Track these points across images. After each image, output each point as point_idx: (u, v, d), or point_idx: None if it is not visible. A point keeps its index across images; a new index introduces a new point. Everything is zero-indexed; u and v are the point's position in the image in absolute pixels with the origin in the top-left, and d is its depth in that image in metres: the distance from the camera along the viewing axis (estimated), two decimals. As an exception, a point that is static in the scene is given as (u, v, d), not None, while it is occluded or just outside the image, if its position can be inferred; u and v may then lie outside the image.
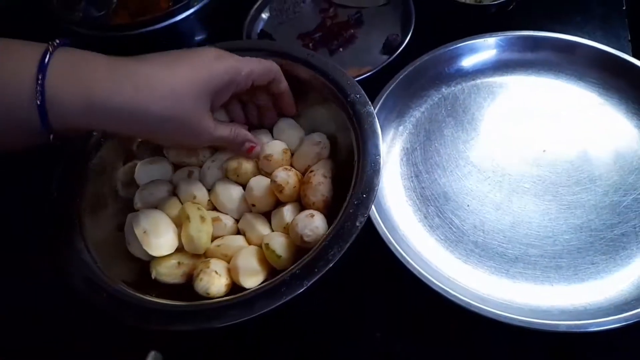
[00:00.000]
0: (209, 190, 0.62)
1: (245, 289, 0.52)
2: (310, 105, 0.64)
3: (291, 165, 0.61)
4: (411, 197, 0.63)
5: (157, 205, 0.59)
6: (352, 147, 0.58)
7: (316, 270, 0.47)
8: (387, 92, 0.67)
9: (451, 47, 0.70)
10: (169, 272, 0.55)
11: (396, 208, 0.62)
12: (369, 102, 0.57)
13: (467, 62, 0.72)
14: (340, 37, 0.77)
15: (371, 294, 0.57)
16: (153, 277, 0.55)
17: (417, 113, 0.70)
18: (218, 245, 0.57)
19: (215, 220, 0.59)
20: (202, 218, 0.57)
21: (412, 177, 0.65)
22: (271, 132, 0.64)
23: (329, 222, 0.54)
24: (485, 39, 0.71)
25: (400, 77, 0.68)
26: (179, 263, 0.55)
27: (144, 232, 0.54)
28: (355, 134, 0.56)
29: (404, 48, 0.72)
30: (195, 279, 0.53)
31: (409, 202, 0.63)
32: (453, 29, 0.72)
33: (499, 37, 0.71)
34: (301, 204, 0.59)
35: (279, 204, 0.59)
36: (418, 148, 0.67)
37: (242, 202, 0.60)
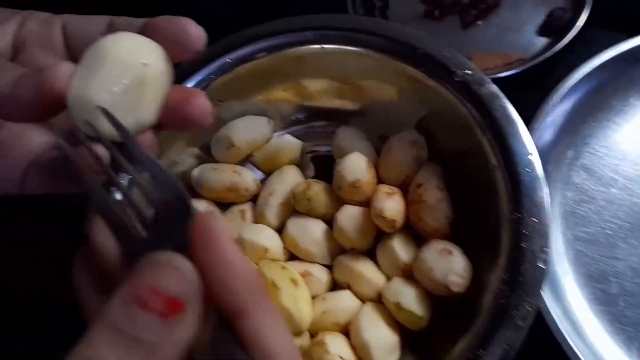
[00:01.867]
0: (278, 232, 0.46)
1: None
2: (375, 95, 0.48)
3: (379, 180, 0.45)
4: (577, 268, 0.45)
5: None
6: (464, 147, 0.43)
7: (507, 346, 0.33)
8: (561, 103, 0.46)
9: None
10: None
11: (557, 283, 0.44)
12: (487, 79, 0.41)
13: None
14: (479, 4, 0.55)
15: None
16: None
17: (606, 141, 0.48)
18: (323, 312, 0.42)
19: (304, 275, 0.43)
20: (294, 281, 0.41)
21: (579, 239, 0.46)
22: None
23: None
24: None
25: (586, 80, 0.46)
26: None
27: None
28: (482, 129, 0.41)
29: (578, 31, 0.50)
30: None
31: (574, 275, 0.45)
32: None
33: None
34: (409, 230, 0.44)
35: (379, 233, 0.45)
36: (596, 198, 0.47)
37: (330, 240, 0.45)
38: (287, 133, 0.52)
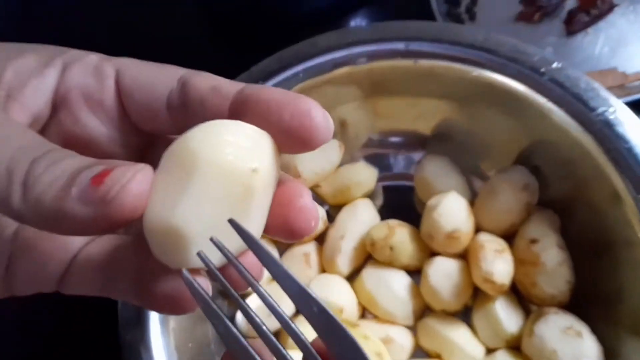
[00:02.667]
0: (348, 280, 0.38)
1: None
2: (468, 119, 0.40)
3: (476, 227, 0.38)
4: None
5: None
6: (587, 195, 0.35)
7: None
8: None
9: None
10: None
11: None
12: (633, 117, 0.33)
13: None
14: (589, 7, 0.44)
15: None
16: None
17: None
18: (413, 393, 0.35)
19: (385, 342, 0.36)
20: (379, 356, 0.34)
21: None
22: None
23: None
24: None
25: None
26: None
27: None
28: (626, 183, 0.33)
29: None
30: None
31: None
32: None
33: None
34: (517, 291, 0.37)
35: (475, 290, 0.37)
36: None
37: (415, 298, 0.37)
38: (359, 157, 0.43)
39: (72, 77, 0.18)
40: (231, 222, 0.15)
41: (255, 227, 0.16)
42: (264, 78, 0.38)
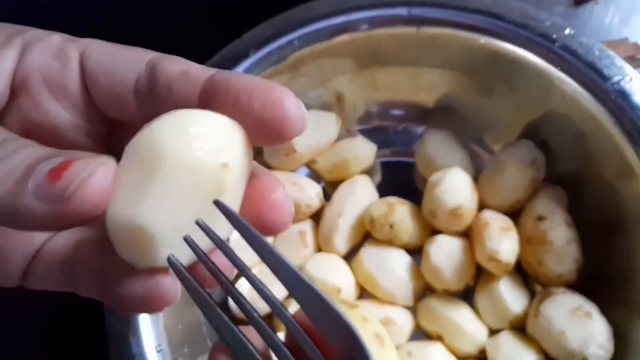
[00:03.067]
0: (346, 260, 0.37)
1: None
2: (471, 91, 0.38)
3: (480, 203, 0.36)
4: None
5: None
6: (598, 172, 0.34)
7: None
8: None
9: None
10: None
11: None
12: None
13: None
14: None
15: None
16: None
17: None
18: (413, 376, 0.33)
19: (385, 323, 0.34)
20: (379, 338, 0.32)
21: None
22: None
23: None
24: None
25: None
26: None
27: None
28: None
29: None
30: None
31: None
32: None
33: None
34: (520, 271, 0.35)
35: (478, 270, 0.36)
36: None
37: (416, 278, 0.36)
38: (357, 132, 0.41)
39: (32, 58, 0.16)
40: (217, 203, 0.14)
41: (226, 226, 0.14)
42: (256, 45, 0.35)
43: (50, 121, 0.17)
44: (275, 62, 0.36)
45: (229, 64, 0.35)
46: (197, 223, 0.14)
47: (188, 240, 0.14)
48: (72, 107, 0.17)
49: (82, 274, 0.16)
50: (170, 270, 0.14)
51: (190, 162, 0.14)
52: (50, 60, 0.16)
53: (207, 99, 0.15)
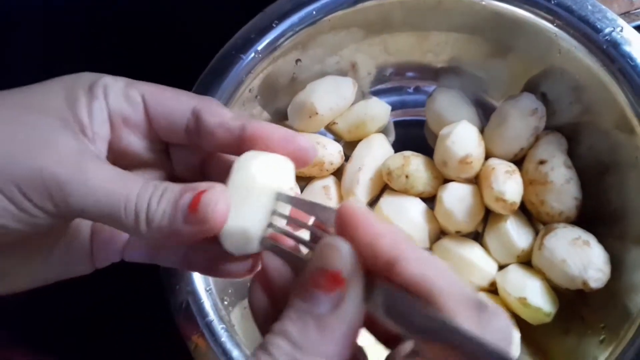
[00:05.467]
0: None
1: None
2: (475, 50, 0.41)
3: (486, 153, 0.40)
4: None
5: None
6: (595, 119, 0.37)
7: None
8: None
9: None
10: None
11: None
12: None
13: None
14: None
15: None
16: None
17: None
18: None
19: (405, 263, 0.38)
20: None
21: None
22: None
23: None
24: None
25: None
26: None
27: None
28: (632, 103, 0.34)
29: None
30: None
31: None
32: None
33: None
34: (525, 212, 0.39)
35: (487, 212, 0.39)
36: None
37: (431, 222, 0.40)
38: (371, 94, 0.45)
39: (111, 102, 0.22)
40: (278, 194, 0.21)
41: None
42: (278, 18, 0.39)
43: (130, 148, 0.23)
44: (296, 32, 0.39)
45: (255, 35, 0.38)
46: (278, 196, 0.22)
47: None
48: (143, 137, 0.24)
49: (168, 254, 0.24)
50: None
51: (271, 187, 0.21)
52: (124, 104, 0.22)
53: (248, 143, 0.22)
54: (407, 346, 0.19)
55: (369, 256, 0.18)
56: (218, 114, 0.22)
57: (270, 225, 0.21)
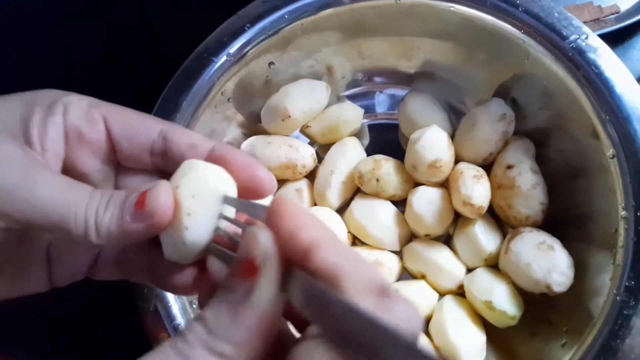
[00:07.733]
0: (338, 212, 0.41)
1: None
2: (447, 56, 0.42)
3: (456, 157, 0.40)
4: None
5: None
6: (562, 124, 0.38)
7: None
8: None
9: None
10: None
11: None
12: (607, 50, 0.35)
13: None
14: None
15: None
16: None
17: None
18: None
19: (375, 266, 0.39)
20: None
21: None
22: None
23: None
24: None
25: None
26: None
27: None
28: (596, 109, 0.35)
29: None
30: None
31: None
32: None
33: None
34: (494, 216, 0.39)
35: (456, 217, 0.40)
36: None
37: (401, 225, 0.40)
38: (345, 98, 0.45)
39: (69, 120, 0.22)
40: (225, 197, 0.21)
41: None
42: (251, 21, 0.39)
43: (85, 168, 0.23)
44: (269, 36, 0.39)
45: (228, 38, 0.38)
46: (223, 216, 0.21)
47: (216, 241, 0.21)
48: (100, 159, 0.23)
49: (133, 269, 0.24)
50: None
51: (213, 195, 0.21)
52: (83, 122, 0.22)
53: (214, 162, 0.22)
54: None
55: (289, 246, 0.18)
56: (188, 136, 0.22)
57: (216, 229, 0.21)
